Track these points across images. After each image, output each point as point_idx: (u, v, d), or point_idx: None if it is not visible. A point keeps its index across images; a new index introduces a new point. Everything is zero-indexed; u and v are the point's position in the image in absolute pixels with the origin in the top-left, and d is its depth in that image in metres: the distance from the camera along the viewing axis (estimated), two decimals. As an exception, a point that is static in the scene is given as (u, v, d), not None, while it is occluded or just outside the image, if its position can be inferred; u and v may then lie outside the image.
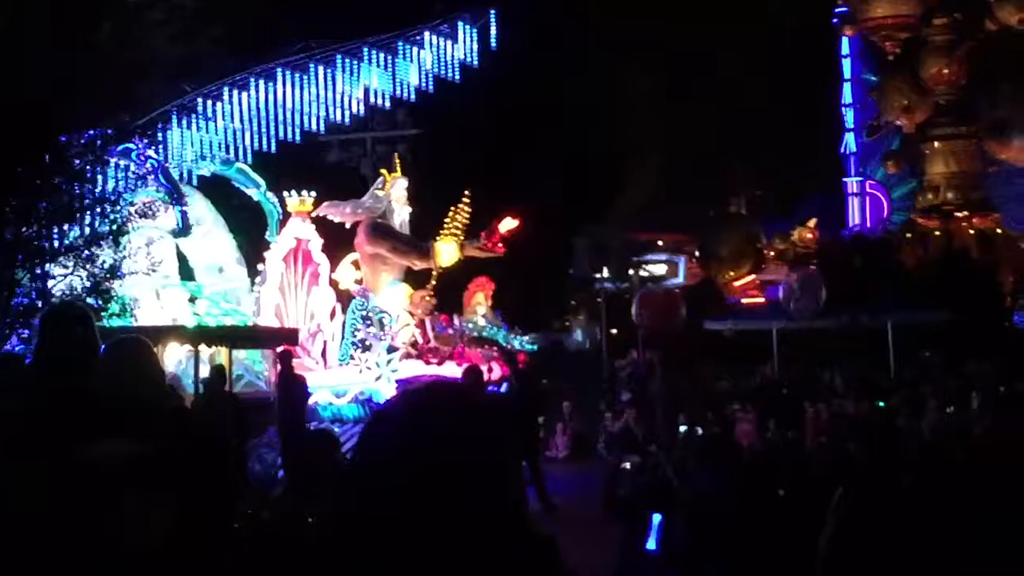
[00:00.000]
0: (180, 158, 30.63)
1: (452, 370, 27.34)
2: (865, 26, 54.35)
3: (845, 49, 58.30)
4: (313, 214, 29.64)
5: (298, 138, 33.34)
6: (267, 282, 28.80)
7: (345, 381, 27.31)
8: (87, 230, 25.20)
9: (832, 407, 27.86)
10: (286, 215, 30.13)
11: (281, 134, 32.81)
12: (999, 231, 50.56)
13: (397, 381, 26.40)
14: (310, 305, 29.53)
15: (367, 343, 28.07)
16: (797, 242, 48.38)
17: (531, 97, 41.64)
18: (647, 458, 18.95)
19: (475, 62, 34.20)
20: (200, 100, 31.97)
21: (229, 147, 32.20)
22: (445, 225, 30.14)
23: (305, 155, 35.16)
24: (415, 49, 33.01)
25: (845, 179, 58.42)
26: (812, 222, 49.28)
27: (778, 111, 50.26)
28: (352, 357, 27.98)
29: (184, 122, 31.63)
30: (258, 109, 32.20)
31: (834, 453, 13.96)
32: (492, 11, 34.44)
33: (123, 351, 5.90)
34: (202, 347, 24.35)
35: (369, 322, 28.33)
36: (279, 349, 24.76)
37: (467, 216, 30.08)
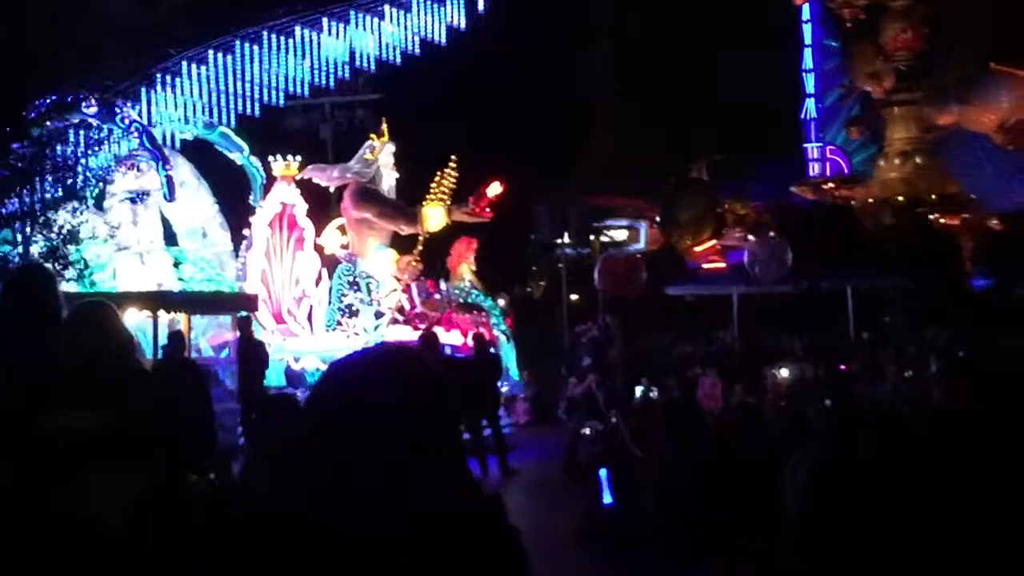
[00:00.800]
0: (163, 122, 30.44)
1: (440, 335, 27.38)
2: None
3: (806, 14, 58.27)
4: (298, 177, 29.35)
5: (282, 102, 33.23)
6: (253, 247, 28.57)
7: (332, 347, 27.04)
8: (46, 195, 25.14)
9: (792, 372, 28.00)
10: (270, 179, 29.89)
11: (265, 98, 32.71)
12: (958, 194, 50.78)
13: None
14: (295, 270, 29.30)
15: (354, 308, 27.89)
16: (729, 214, 48.45)
17: (497, 64, 41.47)
18: (607, 424, 18.99)
19: (462, 24, 34.21)
20: (184, 63, 31.78)
21: (212, 110, 32.05)
22: (431, 190, 29.99)
23: (275, 120, 34.97)
24: (401, 12, 32.91)
25: (805, 144, 58.53)
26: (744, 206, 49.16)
27: (739, 76, 50.26)
28: (339, 323, 27.79)
29: (168, 85, 31.46)
30: (243, 72, 32.05)
31: (793, 417, 14.01)
32: None
33: (89, 315, 5.81)
34: (161, 313, 24.24)
35: (356, 287, 28.13)
36: (239, 315, 24.69)
37: (453, 181, 29.94)
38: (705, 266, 45.22)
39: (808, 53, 58.60)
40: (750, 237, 42.67)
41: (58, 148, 29.89)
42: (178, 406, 9.71)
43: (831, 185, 51.24)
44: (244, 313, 24.77)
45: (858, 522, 6.88)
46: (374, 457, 2.74)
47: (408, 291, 29.22)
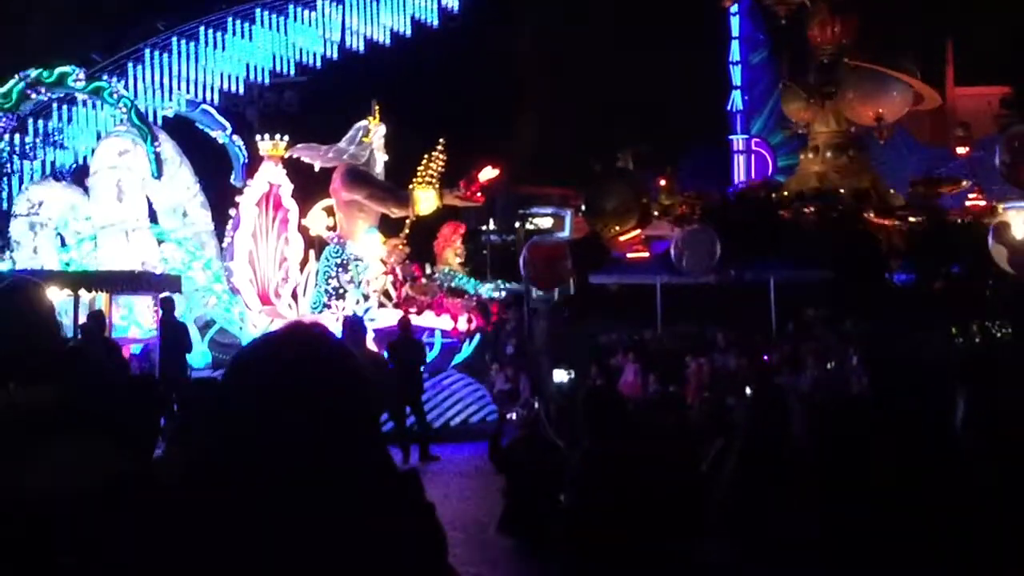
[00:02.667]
0: (147, 99, 30.16)
1: (430, 319, 27.31)
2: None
3: (734, 7, 58.62)
4: (287, 155, 28.92)
5: (266, 80, 32.96)
6: (240, 227, 28.12)
7: None
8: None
9: (714, 362, 28.17)
10: (254, 159, 29.54)
11: (252, 76, 32.47)
12: (891, 191, 51.38)
13: (375, 330, 26.00)
14: (281, 251, 28.87)
15: (341, 291, 27.51)
16: (659, 205, 48.71)
17: (431, 47, 41.27)
18: (529, 411, 19.01)
19: (455, 7, 34.39)
20: (175, 39, 31.48)
21: (196, 87, 31.76)
22: (418, 173, 29.71)
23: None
24: None
25: (731, 136, 58.93)
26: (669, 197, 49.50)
27: (666, 67, 50.48)
28: (326, 305, 27.40)
29: (156, 61, 31.19)
30: (231, 50, 31.90)
31: (715, 406, 14.09)
32: None
33: (19, 293, 5.75)
34: (82, 292, 23.99)
35: (344, 269, 27.73)
36: (161, 295, 24.45)
37: (442, 164, 29.68)
38: (629, 255, 45.36)
39: (735, 45, 58.99)
40: (676, 228, 42.86)
41: (39, 122, 29.70)
42: (115, 382, 9.68)
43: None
44: (167, 293, 24.53)
45: (784, 509, 6.94)
46: (281, 438, 2.75)
47: (394, 274, 28.85)
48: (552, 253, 26.65)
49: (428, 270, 29.99)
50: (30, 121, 29.78)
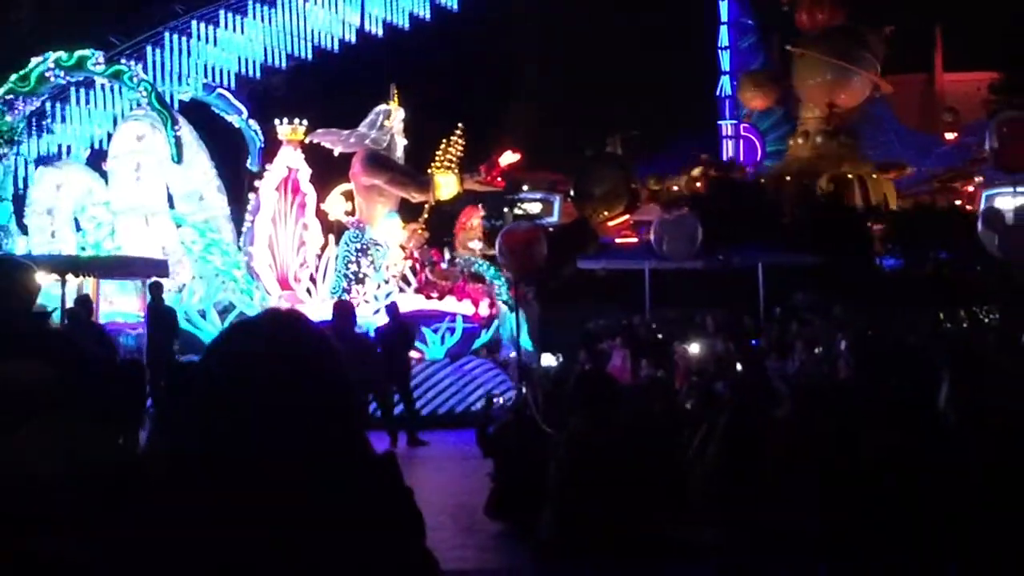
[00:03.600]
0: (164, 82, 30.01)
1: (452, 304, 27.11)
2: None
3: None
4: (307, 140, 28.71)
5: (283, 64, 32.78)
6: (261, 212, 27.96)
7: None
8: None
9: (703, 347, 28.18)
10: (272, 143, 29.30)
11: (269, 60, 32.33)
12: (873, 175, 51.44)
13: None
14: (300, 236, 28.70)
15: (360, 276, 27.28)
16: (687, 183, 48.77)
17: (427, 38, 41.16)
18: (517, 395, 19.04)
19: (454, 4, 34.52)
20: (195, 22, 31.37)
21: (213, 71, 31.62)
22: (437, 158, 29.54)
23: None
24: None
25: (720, 121, 58.90)
26: (698, 171, 49.73)
27: (654, 51, 50.49)
28: (346, 290, 27.20)
29: (175, 44, 31.07)
30: (248, 33, 31.81)
31: (703, 391, 14.11)
32: None
33: (10, 273, 5.79)
34: (69, 276, 23.95)
35: (364, 254, 27.52)
36: (150, 280, 24.44)
37: (461, 149, 29.52)
38: (618, 240, 45.40)
39: (724, 31, 58.94)
40: (656, 216, 42.93)
41: (57, 105, 29.62)
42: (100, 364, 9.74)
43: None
44: (155, 279, 24.51)
45: (769, 493, 6.96)
46: (253, 425, 2.76)
47: (414, 259, 28.62)
48: (526, 238, 26.55)
49: (447, 255, 29.88)
50: (48, 104, 29.73)
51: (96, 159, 29.86)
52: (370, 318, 25.56)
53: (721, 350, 27.31)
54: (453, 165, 29.28)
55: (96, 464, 4.68)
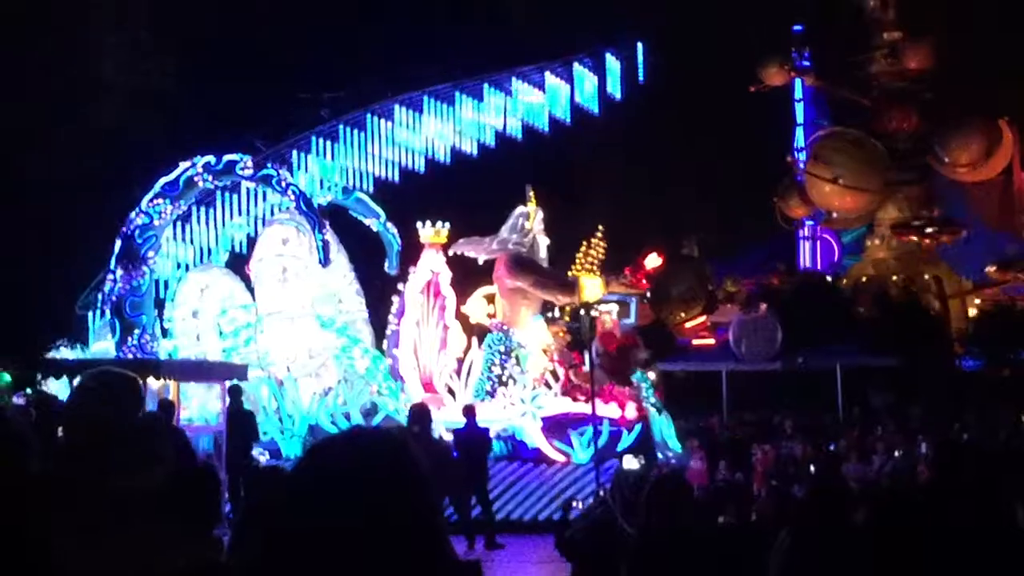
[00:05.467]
0: (306, 186, 30.20)
1: (598, 407, 26.21)
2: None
3: (798, 93, 58.64)
4: (451, 252, 28.79)
5: (422, 168, 33.02)
6: (406, 315, 28.20)
7: (489, 417, 25.88)
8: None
9: (781, 450, 27.99)
10: (415, 246, 29.48)
11: (409, 163, 32.58)
12: (951, 277, 51.05)
13: (543, 418, 25.83)
14: (440, 339, 28.69)
15: (504, 378, 27.16)
16: (725, 292, 48.61)
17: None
18: (596, 498, 18.97)
19: (618, 95, 34.58)
20: (341, 126, 31.73)
21: (352, 174, 31.89)
22: (577, 260, 29.51)
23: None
24: (560, 81, 33.35)
25: (796, 222, 58.74)
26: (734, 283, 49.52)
27: (732, 152, 50.57)
28: (489, 393, 27.23)
29: (320, 148, 31.43)
30: (392, 137, 32.11)
31: (780, 496, 14.02)
32: (640, 43, 34.86)
33: (119, 383, 5.96)
34: (150, 379, 24.18)
35: (508, 357, 27.48)
36: (229, 384, 24.63)
37: (603, 251, 29.48)
38: (695, 342, 45.27)
39: (800, 132, 58.96)
40: (734, 316, 42.78)
41: (202, 209, 30.03)
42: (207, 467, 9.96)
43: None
44: (235, 382, 24.71)
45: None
46: (343, 542, 2.81)
47: (561, 362, 28.36)
48: (624, 341, 26.61)
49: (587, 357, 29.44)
50: (193, 208, 30.16)
51: (235, 261, 30.16)
52: (517, 422, 25.53)
53: (800, 453, 27.11)
54: (594, 267, 29.16)
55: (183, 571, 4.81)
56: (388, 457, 2.94)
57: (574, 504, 19.53)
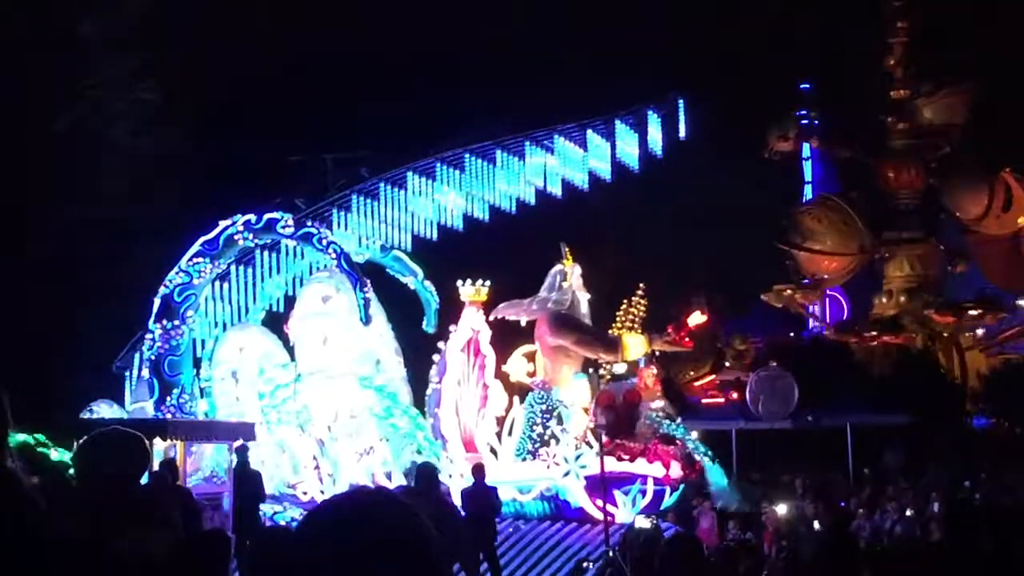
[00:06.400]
0: (344, 244, 30.05)
1: (643, 467, 26.52)
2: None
3: (806, 152, 58.75)
4: (492, 317, 28.68)
5: (460, 226, 32.96)
6: (447, 374, 27.97)
7: (532, 476, 26.23)
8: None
9: (791, 509, 27.81)
10: (453, 304, 29.20)
11: (446, 221, 32.52)
12: (964, 335, 50.99)
13: (586, 477, 25.65)
14: (480, 398, 28.43)
15: (546, 437, 26.89)
16: (734, 350, 48.51)
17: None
18: (605, 559, 18.88)
19: (659, 152, 34.66)
20: (382, 184, 31.70)
21: (390, 232, 31.81)
22: (618, 318, 29.33)
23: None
24: (599, 138, 33.44)
25: (805, 280, 58.66)
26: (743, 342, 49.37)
27: (739, 211, 50.63)
28: (531, 452, 26.93)
29: (360, 207, 31.37)
30: (431, 194, 32.08)
31: (790, 555, 13.93)
32: (680, 100, 34.95)
33: (137, 445, 5.93)
34: (156, 440, 24.08)
35: (549, 416, 27.24)
36: (236, 444, 24.50)
37: (644, 309, 29.31)
38: (704, 401, 45.13)
39: (808, 190, 59.02)
40: (752, 373, 42.64)
41: (240, 268, 29.98)
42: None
43: None
44: (241, 442, 24.58)
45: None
46: None
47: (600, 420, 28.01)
48: (626, 399, 26.49)
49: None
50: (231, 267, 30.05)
51: (270, 320, 30.07)
52: (560, 481, 25.33)
53: (811, 513, 26.94)
54: (635, 325, 29.00)
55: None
56: (393, 523, 2.87)
57: (585, 565, 19.45)
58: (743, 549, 16.76)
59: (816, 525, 24.51)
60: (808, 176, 59.23)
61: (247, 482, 23.23)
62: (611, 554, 19.36)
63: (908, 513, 26.33)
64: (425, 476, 19.77)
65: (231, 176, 37.23)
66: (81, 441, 6.21)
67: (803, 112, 56.12)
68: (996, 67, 50.80)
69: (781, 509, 27.34)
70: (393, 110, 42.86)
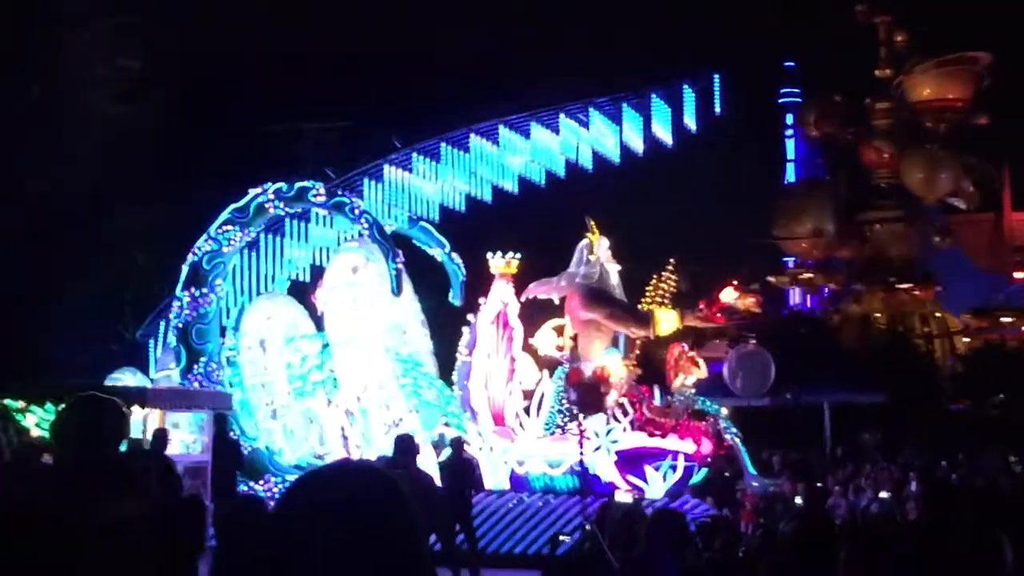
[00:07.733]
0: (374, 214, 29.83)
1: (675, 443, 26.26)
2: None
3: (789, 131, 58.84)
4: (523, 298, 28.44)
5: (489, 198, 32.71)
6: (477, 347, 27.77)
7: (561, 451, 25.91)
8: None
9: (767, 487, 27.88)
10: (483, 276, 28.79)
11: (477, 192, 32.29)
12: (938, 314, 51.18)
13: (617, 452, 25.57)
14: (508, 371, 28.26)
15: (575, 412, 26.68)
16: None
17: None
18: (583, 531, 18.88)
19: (694, 127, 34.59)
20: (415, 155, 31.46)
21: (419, 203, 31.59)
22: (647, 293, 29.25)
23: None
24: (635, 112, 33.32)
25: (785, 258, 58.79)
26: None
27: (721, 189, 50.67)
28: (559, 426, 26.63)
29: (391, 177, 31.15)
30: (465, 166, 31.89)
31: (767, 532, 13.96)
32: (716, 75, 34.90)
33: (104, 411, 5.90)
34: (135, 408, 24.02)
35: None
36: (215, 412, 24.47)
37: (674, 284, 29.22)
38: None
39: (791, 168, 59.13)
40: (730, 350, 42.68)
41: (269, 236, 29.77)
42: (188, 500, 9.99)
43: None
44: (219, 411, 24.54)
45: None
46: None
47: (631, 395, 27.79)
48: (594, 377, 26.42)
49: (657, 391, 28.85)
50: (260, 235, 30.02)
51: (294, 289, 29.95)
52: (590, 456, 25.21)
53: (788, 490, 27.00)
54: (665, 299, 28.90)
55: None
56: (372, 495, 2.87)
57: (561, 538, 19.46)
58: (719, 525, 16.76)
59: (798, 500, 24.67)
60: (791, 154, 59.31)
61: (225, 451, 23.23)
62: (587, 527, 19.36)
63: (884, 495, 26.42)
64: (402, 447, 19.78)
65: (211, 147, 37.09)
66: (62, 406, 6.20)
67: (787, 90, 56.23)
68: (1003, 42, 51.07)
69: (758, 486, 27.42)
70: (418, 84, 42.64)
